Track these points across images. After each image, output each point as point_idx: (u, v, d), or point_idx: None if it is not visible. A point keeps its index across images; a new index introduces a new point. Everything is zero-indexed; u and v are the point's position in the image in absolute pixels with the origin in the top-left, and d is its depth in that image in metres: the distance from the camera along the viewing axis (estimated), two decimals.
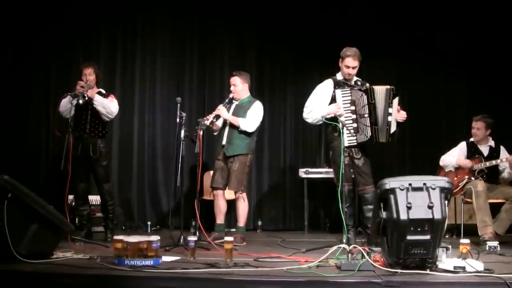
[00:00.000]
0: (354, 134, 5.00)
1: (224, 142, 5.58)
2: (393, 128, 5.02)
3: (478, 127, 5.77)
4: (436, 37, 7.25)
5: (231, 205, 5.95)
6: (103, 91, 5.57)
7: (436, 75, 7.45)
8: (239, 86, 5.67)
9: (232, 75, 5.74)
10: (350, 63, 5.09)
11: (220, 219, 5.56)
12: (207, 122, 5.47)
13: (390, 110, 4.96)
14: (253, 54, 7.47)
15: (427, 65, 7.41)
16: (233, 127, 5.56)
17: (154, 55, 7.36)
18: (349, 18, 7.32)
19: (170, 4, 7.41)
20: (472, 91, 7.30)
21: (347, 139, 4.92)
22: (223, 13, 7.45)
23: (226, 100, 5.67)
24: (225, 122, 5.65)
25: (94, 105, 5.38)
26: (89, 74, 5.45)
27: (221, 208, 5.56)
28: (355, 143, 5.05)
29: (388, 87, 4.97)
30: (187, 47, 7.43)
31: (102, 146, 5.48)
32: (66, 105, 5.28)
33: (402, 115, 5.06)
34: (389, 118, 4.97)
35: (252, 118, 5.58)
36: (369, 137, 5.00)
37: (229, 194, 5.73)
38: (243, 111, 5.60)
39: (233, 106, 5.69)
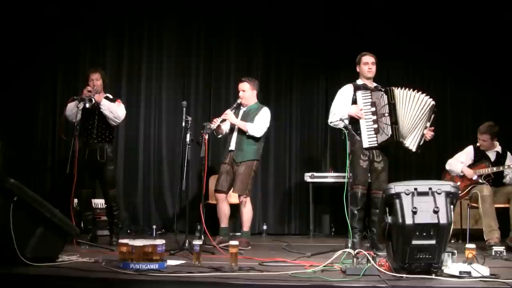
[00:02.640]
0: (375, 135, 5.09)
1: (232, 147, 5.57)
2: (422, 141, 5.16)
3: (484, 140, 5.74)
4: (443, 42, 7.23)
5: (236, 209, 5.95)
6: (110, 96, 5.56)
7: (443, 80, 7.44)
8: (248, 92, 5.67)
9: (241, 80, 5.73)
10: (368, 59, 5.29)
11: (224, 222, 5.55)
12: (214, 126, 5.46)
13: (428, 124, 5.14)
14: (259, 59, 7.49)
15: (434, 70, 7.41)
16: (241, 132, 5.56)
17: (160, 59, 7.37)
18: (355, 23, 7.32)
19: (176, 9, 7.43)
20: (479, 95, 7.29)
21: (368, 140, 5.05)
22: (229, 19, 7.48)
23: (234, 105, 5.66)
24: (232, 127, 5.64)
25: (101, 110, 5.38)
26: (96, 79, 5.45)
27: (224, 212, 5.55)
28: (376, 144, 5.11)
29: (434, 102, 5.13)
30: (193, 52, 7.45)
31: (109, 151, 5.47)
32: (72, 109, 5.29)
33: (431, 133, 5.19)
34: (425, 131, 5.13)
35: (260, 123, 5.58)
36: (389, 135, 5.06)
37: (233, 198, 5.73)
38: (250, 117, 5.60)
39: (241, 113, 5.68)
